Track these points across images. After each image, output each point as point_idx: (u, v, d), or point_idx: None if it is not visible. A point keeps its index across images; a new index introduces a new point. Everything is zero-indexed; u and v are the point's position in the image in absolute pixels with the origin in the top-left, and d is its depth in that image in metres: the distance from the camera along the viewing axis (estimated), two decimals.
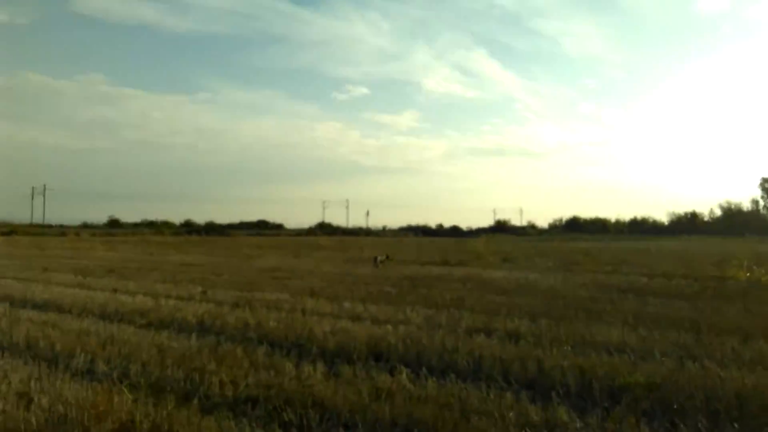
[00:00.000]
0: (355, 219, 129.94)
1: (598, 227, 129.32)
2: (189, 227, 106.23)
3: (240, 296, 12.84)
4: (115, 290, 14.07)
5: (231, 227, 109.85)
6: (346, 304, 11.52)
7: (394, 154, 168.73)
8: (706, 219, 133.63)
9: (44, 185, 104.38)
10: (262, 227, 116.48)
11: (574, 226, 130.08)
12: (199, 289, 14.34)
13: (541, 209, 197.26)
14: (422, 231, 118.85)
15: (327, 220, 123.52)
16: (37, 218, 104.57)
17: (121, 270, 20.19)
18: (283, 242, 56.47)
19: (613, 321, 9.76)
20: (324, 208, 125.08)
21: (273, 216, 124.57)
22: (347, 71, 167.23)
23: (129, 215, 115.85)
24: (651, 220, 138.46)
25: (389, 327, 8.77)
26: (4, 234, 67.22)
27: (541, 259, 28.65)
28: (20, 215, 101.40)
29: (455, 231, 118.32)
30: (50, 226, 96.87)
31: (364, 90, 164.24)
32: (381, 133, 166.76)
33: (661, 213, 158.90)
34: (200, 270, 20.33)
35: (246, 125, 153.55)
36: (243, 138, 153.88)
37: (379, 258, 23.49)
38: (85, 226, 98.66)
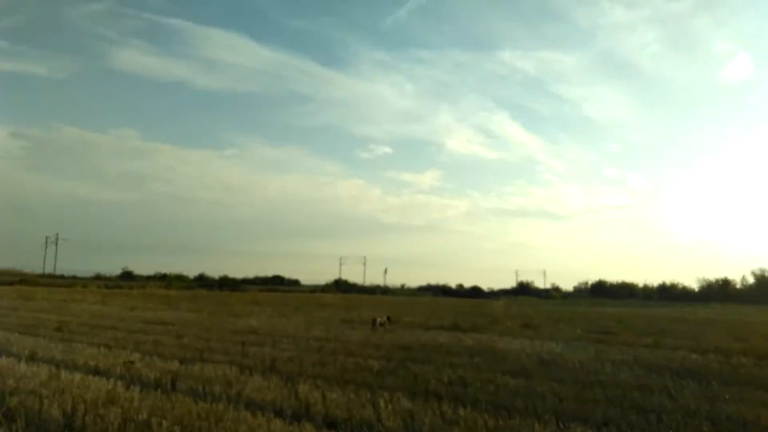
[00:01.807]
0: (375, 277, 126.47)
1: (625, 292, 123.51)
2: (202, 281, 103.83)
3: (174, 370, 9.80)
4: (32, 355, 11.19)
5: (245, 282, 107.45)
6: (301, 387, 8.37)
7: (416, 213, 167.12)
8: (738, 286, 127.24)
9: (57, 234, 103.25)
10: (277, 282, 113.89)
11: (601, 290, 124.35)
12: (131, 357, 11.33)
13: (566, 272, 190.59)
14: (441, 290, 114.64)
15: (345, 276, 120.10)
16: (52, 268, 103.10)
17: (76, 328, 17.28)
18: (290, 299, 53.28)
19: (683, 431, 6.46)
20: (341, 265, 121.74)
21: (291, 272, 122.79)
22: (371, 130, 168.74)
23: (149, 267, 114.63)
24: (680, 286, 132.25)
25: None
26: (8, 284, 65.24)
27: (567, 326, 25.06)
28: (34, 265, 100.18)
29: (475, 292, 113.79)
30: (62, 277, 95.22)
31: (387, 149, 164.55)
32: (403, 191, 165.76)
33: (690, 279, 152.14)
34: (165, 330, 17.32)
35: (271, 181, 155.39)
36: (267, 193, 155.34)
37: (378, 320, 20.29)
38: (98, 278, 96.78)
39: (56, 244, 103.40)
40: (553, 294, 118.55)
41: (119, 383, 8.38)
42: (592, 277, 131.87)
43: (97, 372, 9.67)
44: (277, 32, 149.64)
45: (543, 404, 7.77)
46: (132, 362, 10.32)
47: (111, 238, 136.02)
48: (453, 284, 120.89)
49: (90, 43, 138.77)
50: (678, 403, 8.24)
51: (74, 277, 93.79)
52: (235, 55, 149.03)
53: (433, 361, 11.81)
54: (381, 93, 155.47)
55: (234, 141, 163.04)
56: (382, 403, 7.48)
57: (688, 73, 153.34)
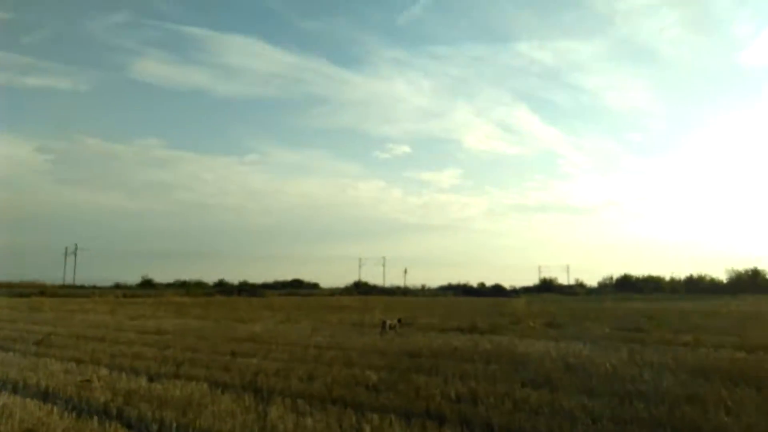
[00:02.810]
0: (395, 278, 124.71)
1: (651, 286, 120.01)
2: (222, 287, 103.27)
3: (133, 390, 8.39)
4: None
5: (265, 287, 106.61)
6: (274, 410, 6.87)
7: (436, 212, 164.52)
8: None
9: (75, 245, 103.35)
10: (296, 286, 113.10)
11: (626, 284, 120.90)
12: (99, 373, 9.96)
13: (590, 267, 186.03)
14: (463, 290, 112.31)
15: (364, 278, 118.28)
16: (72, 279, 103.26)
17: (60, 341, 15.99)
18: (306, 303, 51.92)
19: None
20: (360, 266, 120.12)
21: (311, 275, 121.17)
22: (389, 130, 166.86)
23: (169, 274, 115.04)
24: (708, 278, 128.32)
25: None
26: (25, 295, 64.82)
27: (594, 324, 23.21)
28: (55, 276, 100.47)
29: (497, 290, 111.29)
30: (82, 287, 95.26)
31: (406, 148, 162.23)
32: (423, 191, 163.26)
33: (718, 270, 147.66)
34: (155, 341, 15.95)
35: (292, 185, 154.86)
36: (288, 197, 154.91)
37: (388, 323, 18.73)
38: (117, 287, 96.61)
39: (75, 255, 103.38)
40: (578, 290, 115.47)
41: (56, 409, 6.98)
42: (617, 272, 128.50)
43: (45, 394, 8.29)
44: (292, 35, 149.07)
45: (572, 427, 6.18)
46: (88, 381, 8.92)
47: (132, 247, 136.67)
48: (475, 283, 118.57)
49: (111, 55, 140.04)
50: (740, 420, 6.58)
51: (94, 287, 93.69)
52: (252, 60, 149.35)
53: (441, 370, 10.22)
54: (398, 91, 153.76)
55: (255, 147, 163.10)
56: (366, 430, 5.95)
57: (706, 56, 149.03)
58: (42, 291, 74.23)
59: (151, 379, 9.49)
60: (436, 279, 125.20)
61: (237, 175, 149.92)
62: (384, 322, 18.69)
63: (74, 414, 6.81)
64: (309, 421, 6.34)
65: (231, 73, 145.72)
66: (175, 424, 6.33)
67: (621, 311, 36.02)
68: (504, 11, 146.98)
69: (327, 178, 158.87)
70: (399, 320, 19.64)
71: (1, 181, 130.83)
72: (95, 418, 6.71)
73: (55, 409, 6.99)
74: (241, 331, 19.17)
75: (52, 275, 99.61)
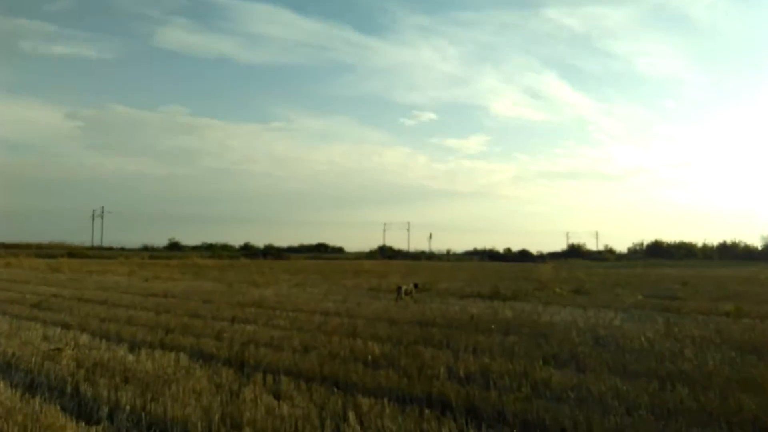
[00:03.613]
0: (420, 243, 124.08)
1: (683, 252, 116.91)
2: (247, 250, 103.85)
3: (102, 362, 7.46)
4: None
5: (290, 250, 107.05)
6: (248, 391, 5.87)
7: (462, 178, 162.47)
8: None
9: (102, 207, 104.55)
10: (321, 250, 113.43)
11: (657, 250, 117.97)
12: (80, 340, 9.13)
13: (619, 233, 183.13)
14: (488, 255, 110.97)
15: (389, 243, 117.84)
16: (100, 241, 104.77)
17: (59, 303, 15.31)
18: (328, 266, 51.39)
19: None
20: (385, 231, 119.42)
21: (336, 239, 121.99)
22: (415, 97, 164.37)
23: (196, 237, 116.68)
24: (742, 244, 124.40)
25: None
26: (51, 256, 65.56)
27: (625, 291, 21.87)
28: (84, 238, 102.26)
29: (524, 255, 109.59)
30: (110, 249, 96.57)
31: (432, 115, 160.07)
32: (449, 158, 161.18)
33: (753, 237, 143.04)
34: (156, 304, 15.18)
35: (318, 152, 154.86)
36: (314, 164, 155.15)
37: (404, 288, 17.68)
38: (145, 249, 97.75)
39: (102, 217, 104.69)
40: (607, 256, 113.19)
41: (2, 384, 6.09)
42: (647, 238, 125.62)
43: (7, 365, 7.44)
44: (318, 3, 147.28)
45: (602, 418, 5.04)
46: (59, 350, 8.04)
47: (160, 211, 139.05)
48: (501, 248, 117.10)
49: (135, 24, 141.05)
50: None
51: (122, 249, 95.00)
52: (277, 28, 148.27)
53: (454, 342, 9.12)
54: (424, 58, 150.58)
55: (280, 114, 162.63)
56: (351, 418, 4.90)
57: (741, 20, 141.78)
58: (70, 252, 75.30)
59: (132, 348, 8.61)
60: (461, 244, 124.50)
61: (263, 142, 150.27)
62: (399, 288, 17.65)
63: (20, 390, 5.91)
64: (285, 408, 5.31)
65: (256, 41, 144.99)
66: (128, 407, 5.36)
67: (653, 277, 34.47)
68: None
69: (352, 144, 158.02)
70: (415, 285, 18.59)
71: (33, 147, 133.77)
72: (45, 395, 5.80)
73: (1, 384, 6.10)
74: (251, 295, 18.35)
75: (81, 237, 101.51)
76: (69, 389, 6.16)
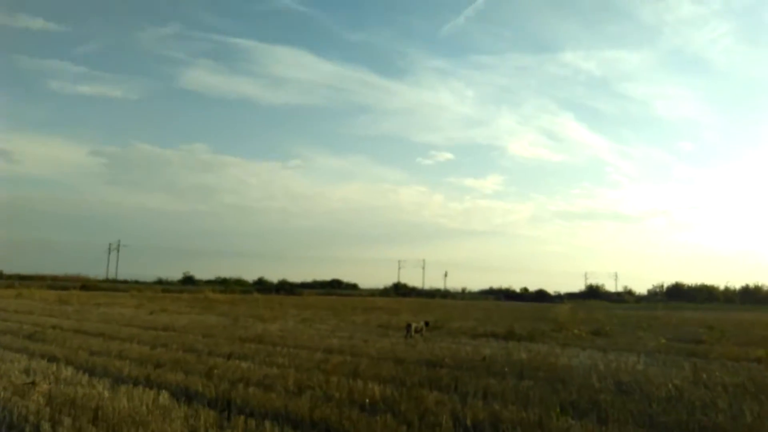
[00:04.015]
0: (435, 281, 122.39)
1: (704, 295, 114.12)
2: (261, 285, 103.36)
3: (77, 397, 6.83)
4: None
5: (304, 286, 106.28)
6: None
7: (478, 218, 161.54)
8: None
9: (118, 241, 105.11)
10: (335, 286, 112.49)
11: (678, 293, 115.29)
12: (64, 372, 8.53)
13: (638, 275, 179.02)
14: (504, 294, 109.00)
15: (404, 280, 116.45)
16: (115, 274, 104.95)
17: (55, 335, 14.78)
18: (339, 302, 50.46)
19: None
20: (399, 268, 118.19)
21: (350, 276, 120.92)
22: (431, 137, 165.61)
23: (210, 272, 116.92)
24: (765, 288, 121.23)
25: None
26: (63, 288, 65.48)
27: (647, 334, 20.82)
28: (99, 271, 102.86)
29: (541, 296, 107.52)
30: (124, 282, 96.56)
31: (449, 155, 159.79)
32: (465, 197, 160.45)
33: None
34: (155, 338, 14.56)
35: (334, 189, 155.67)
36: (330, 202, 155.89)
37: (414, 325, 16.89)
38: (160, 282, 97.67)
39: (118, 251, 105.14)
40: (626, 297, 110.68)
41: None
42: (667, 280, 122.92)
43: None
44: (337, 46, 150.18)
45: None
46: (33, 383, 7.43)
47: (176, 245, 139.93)
48: (517, 288, 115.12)
49: (161, 65, 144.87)
50: None
51: (136, 282, 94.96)
52: (297, 70, 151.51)
53: (462, 385, 8.37)
54: (441, 100, 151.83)
55: (298, 152, 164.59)
56: None
57: (760, 65, 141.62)
58: (84, 285, 75.13)
59: (114, 384, 7.98)
60: (477, 283, 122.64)
61: (280, 180, 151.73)
62: (409, 325, 16.86)
63: None
64: None
65: (277, 83, 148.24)
66: None
67: (675, 320, 33.14)
68: (548, 22, 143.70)
69: (369, 183, 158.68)
70: (426, 323, 17.79)
71: (57, 183, 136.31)
72: None
73: None
74: (254, 329, 17.67)
75: (96, 270, 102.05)
76: (28, 428, 5.54)
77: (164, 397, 7.10)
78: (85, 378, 8.44)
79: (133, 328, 17.31)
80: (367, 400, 7.06)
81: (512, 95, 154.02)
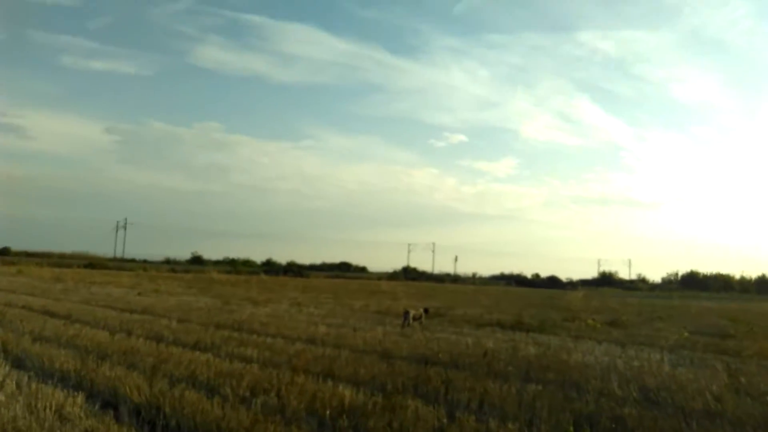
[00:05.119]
0: (446, 265, 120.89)
1: (720, 284, 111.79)
2: (269, 266, 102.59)
3: None
4: None
5: (312, 268, 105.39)
6: None
7: (491, 201, 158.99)
8: None
9: (125, 219, 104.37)
10: (343, 269, 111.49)
11: (692, 281, 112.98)
12: None
13: (652, 262, 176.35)
14: (515, 280, 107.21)
15: (414, 264, 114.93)
16: (122, 252, 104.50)
17: (21, 315, 13.52)
18: (344, 285, 49.19)
19: None
20: (409, 252, 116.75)
21: (359, 259, 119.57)
22: (444, 118, 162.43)
23: (219, 252, 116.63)
24: None
25: None
26: (67, 266, 64.84)
27: (667, 325, 19.23)
28: (107, 249, 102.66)
29: (553, 282, 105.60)
30: (132, 260, 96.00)
31: (462, 137, 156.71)
32: (478, 180, 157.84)
33: None
34: (123, 321, 13.24)
35: (346, 170, 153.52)
36: (342, 183, 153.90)
37: (412, 313, 15.42)
38: (168, 262, 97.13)
39: (125, 228, 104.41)
40: (640, 285, 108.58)
41: None
42: (681, 268, 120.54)
43: None
44: (350, 23, 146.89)
45: None
46: None
47: (185, 225, 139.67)
48: (529, 273, 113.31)
49: (173, 41, 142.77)
50: None
51: (144, 261, 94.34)
52: (310, 48, 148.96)
53: (454, 390, 6.87)
54: (454, 80, 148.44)
55: (310, 132, 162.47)
56: None
57: None
58: (90, 263, 74.43)
59: (34, 381, 6.58)
60: (488, 268, 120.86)
61: (292, 160, 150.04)
62: (407, 312, 15.37)
63: None
64: None
65: (289, 61, 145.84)
66: None
67: (695, 311, 31.44)
68: (565, 0, 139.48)
69: (381, 164, 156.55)
70: (425, 310, 16.33)
71: (70, 160, 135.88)
72: None
73: None
74: (240, 314, 16.31)
75: (105, 248, 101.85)
76: None
77: (78, 402, 5.68)
78: (5, 371, 7.05)
79: (109, 309, 16.00)
80: (329, 412, 5.58)
81: (527, 76, 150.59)
